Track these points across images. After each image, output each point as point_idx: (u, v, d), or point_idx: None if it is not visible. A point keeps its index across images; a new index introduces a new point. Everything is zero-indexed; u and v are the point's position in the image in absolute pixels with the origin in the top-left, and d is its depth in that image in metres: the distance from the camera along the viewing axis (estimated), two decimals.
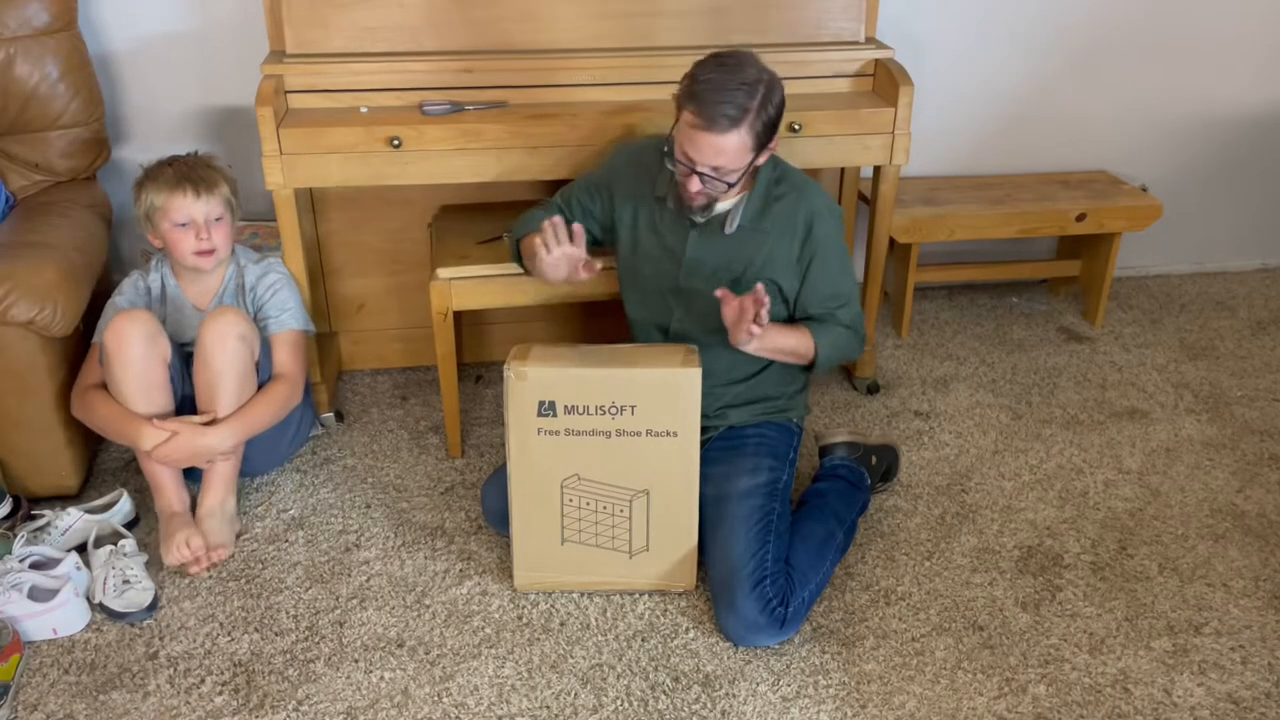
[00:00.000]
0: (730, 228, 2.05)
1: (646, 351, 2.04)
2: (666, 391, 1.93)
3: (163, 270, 2.32)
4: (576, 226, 2.00)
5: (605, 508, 2.01)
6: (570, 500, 2.01)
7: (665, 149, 1.99)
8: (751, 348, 1.96)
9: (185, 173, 2.20)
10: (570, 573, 2.07)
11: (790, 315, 2.13)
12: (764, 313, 1.86)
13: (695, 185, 1.95)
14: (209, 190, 2.20)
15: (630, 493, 2.00)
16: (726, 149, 1.90)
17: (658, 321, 2.19)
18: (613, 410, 1.94)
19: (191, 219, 2.19)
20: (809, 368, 2.11)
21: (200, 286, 2.31)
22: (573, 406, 1.93)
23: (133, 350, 2.11)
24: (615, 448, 1.96)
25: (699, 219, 2.04)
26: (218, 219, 2.22)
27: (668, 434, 1.96)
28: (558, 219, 1.99)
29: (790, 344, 2.04)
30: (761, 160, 2.00)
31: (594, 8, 2.48)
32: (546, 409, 1.94)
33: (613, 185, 2.18)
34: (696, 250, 2.09)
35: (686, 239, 2.09)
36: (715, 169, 1.93)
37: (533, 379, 1.93)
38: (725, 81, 1.88)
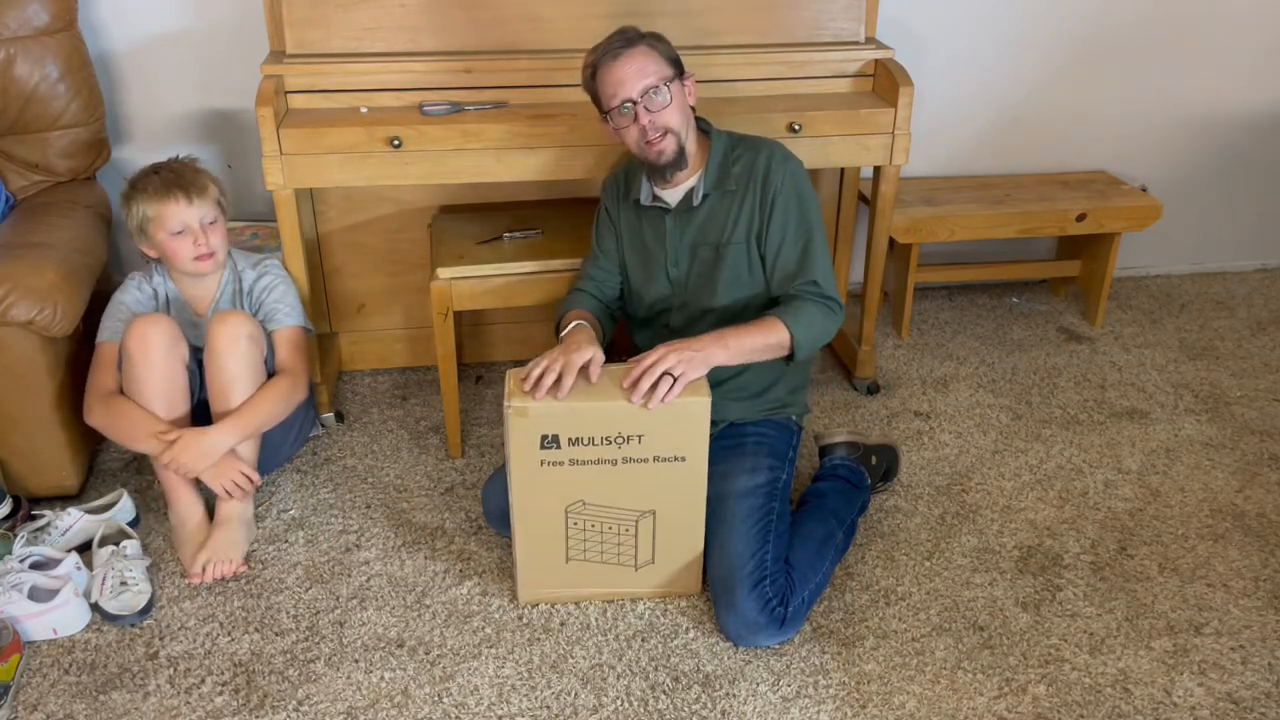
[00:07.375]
0: (697, 199, 2.09)
1: None
2: (675, 420, 1.88)
3: (162, 275, 2.30)
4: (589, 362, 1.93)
5: (611, 528, 1.99)
6: (575, 523, 1.98)
7: (603, 117, 2.07)
8: (720, 359, 1.92)
9: (173, 179, 2.16)
10: (574, 586, 2.06)
11: (767, 284, 2.12)
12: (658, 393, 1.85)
13: (645, 118, 2.00)
14: (200, 194, 2.18)
15: (636, 513, 1.98)
16: (641, 65, 1.99)
17: (658, 335, 2.18)
18: (619, 440, 1.89)
19: (186, 225, 2.16)
20: (790, 357, 2.03)
21: (198, 291, 2.30)
22: (577, 438, 1.88)
23: (157, 354, 2.10)
24: (621, 474, 1.92)
25: (671, 173, 2.06)
26: (211, 222, 2.20)
27: (676, 459, 1.92)
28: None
29: (758, 342, 1.98)
30: (689, 86, 2.08)
31: (594, 8, 2.48)
32: (550, 442, 1.88)
33: (610, 220, 2.23)
34: (675, 235, 2.12)
35: (666, 232, 2.12)
36: (648, 89, 1.99)
37: (534, 415, 1.86)
38: (608, 37, 2.05)
